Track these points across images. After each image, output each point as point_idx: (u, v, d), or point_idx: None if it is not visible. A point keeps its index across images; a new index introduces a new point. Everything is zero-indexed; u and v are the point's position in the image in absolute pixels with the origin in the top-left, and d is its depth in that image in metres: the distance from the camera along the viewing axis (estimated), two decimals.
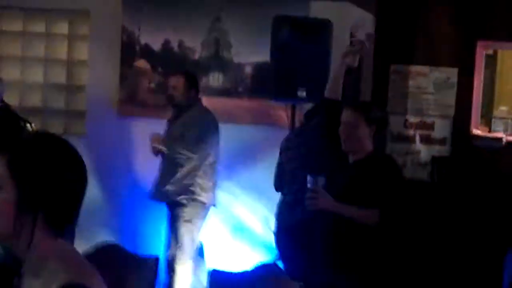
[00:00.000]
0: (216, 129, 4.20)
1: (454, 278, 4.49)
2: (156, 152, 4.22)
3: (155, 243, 4.75)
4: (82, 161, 1.33)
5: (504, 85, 5.50)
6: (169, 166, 4.18)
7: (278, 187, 3.89)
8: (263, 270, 2.57)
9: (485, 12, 5.09)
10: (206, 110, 4.25)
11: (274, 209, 4.51)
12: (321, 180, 2.81)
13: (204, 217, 4.20)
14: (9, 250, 1.34)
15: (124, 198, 4.94)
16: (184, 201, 4.13)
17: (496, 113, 5.47)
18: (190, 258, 4.16)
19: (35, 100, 5.21)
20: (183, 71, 4.36)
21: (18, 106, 4.94)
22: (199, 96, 4.31)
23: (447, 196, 5.04)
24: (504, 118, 5.29)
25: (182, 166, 4.14)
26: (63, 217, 1.29)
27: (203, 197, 4.16)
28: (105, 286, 1.28)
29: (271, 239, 4.55)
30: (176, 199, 4.14)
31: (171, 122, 4.30)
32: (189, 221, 4.13)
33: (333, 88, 3.12)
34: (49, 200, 1.26)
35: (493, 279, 4.17)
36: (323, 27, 4.08)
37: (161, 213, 4.48)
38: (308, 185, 2.80)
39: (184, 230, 4.12)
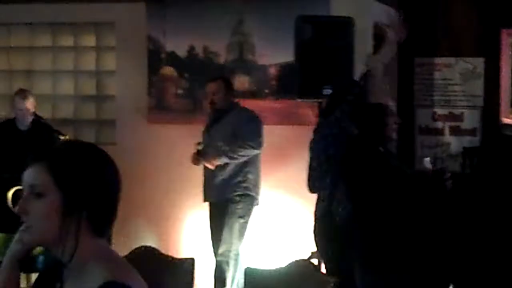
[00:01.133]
0: (262, 126, 4.32)
1: (487, 268, 4.45)
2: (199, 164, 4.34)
3: (191, 246, 4.81)
4: (113, 162, 1.38)
5: None
6: (218, 166, 4.26)
7: (311, 188, 3.83)
8: (297, 267, 2.60)
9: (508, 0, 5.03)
10: (248, 109, 4.38)
11: (304, 207, 4.54)
12: (428, 162, 2.83)
13: (252, 213, 4.30)
14: (51, 256, 1.39)
15: (156, 204, 5.02)
16: (238, 198, 4.23)
17: None
18: (240, 253, 4.25)
19: (66, 111, 5.34)
20: (219, 76, 4.46)
21: (51, 118, 5.07)
22: (235, 98, 4.43)
23: (480, 187, 5.00)
24: None
25: (232, 164, 4.23)
26: (105, 218, 1.34)
27: (254, 192, 4.28)
28: (145, 285, 1.32)
29: (303, 237, 4.58)
30: (229, 196, 4.23)
31: (210, 127, 4.39)
32: (242, 217, 4.23)
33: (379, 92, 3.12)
34: (91, 202, 1.31)
35: None
36: (345, 25, 4.10)
37: (200, 213, 4.55)
38: (427, 166, 2.77)
39: (238, 226, 4.22)
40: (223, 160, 4.23)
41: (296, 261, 2.69)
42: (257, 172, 4.32)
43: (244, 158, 4.23)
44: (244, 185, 4.24)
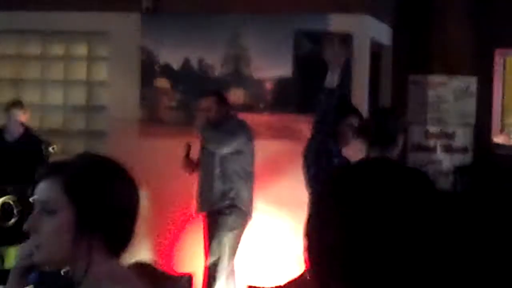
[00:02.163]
0: (251, 140, 4.26)
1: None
2: (190, 171, 4.30)
3: (187, 261, 4.71)
4: (132, 178, 1.31)
5: None
6: (208, 177, 4.22)
7: None
8: (297, 283, 2.54)
9: (502, 20, 5.09)
10: (241, 122, 4.31)
11: (300, 222, 4.47)
12: None
13: (244, 227, 4.23)
14: (59, 274, 1.32)
15: (148, 218, 4.91)
16: (227, 210, 4.16)
17: None
18: (229, 267, 4.16)
19: (55, 121, 5.23)
20: (212, 91, 4.40)
21: (39, 128, 4.96)
22: (231, 110, 4.36)
23: (471, 205, 4.99)
24: None
25: (221, 175, 4.18)
26: (121, 237, 1.27)
27: (243, 205, 4.20)
28: None
29: (296, 252, 4.52)
30: (217, 207, 4.16)
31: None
32: (231, 230, 4.16)
33: None
34: (107, 221, 1.24)
35: None
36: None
37: (193, 226, 4.47)
38: None
39: (227, 239, 4.14)
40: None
41: (295, 279, 2.63)
42: (246, 187, 4.24)
43: (235, 169, 4.17)
44: (231, 195, 4.17)
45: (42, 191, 1.25)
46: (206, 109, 4.29)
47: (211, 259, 4.14)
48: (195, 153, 4.39)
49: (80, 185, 1.23)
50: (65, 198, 1.22)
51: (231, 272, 4.22)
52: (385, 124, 2.76)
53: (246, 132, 4.26)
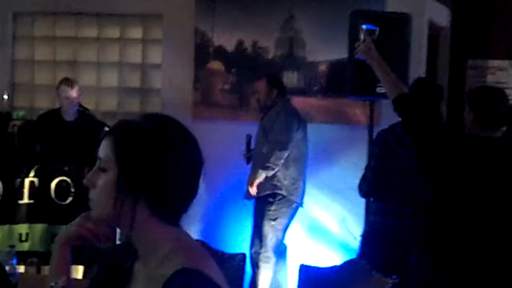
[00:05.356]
0: (299, 125, 4.17)
1: None
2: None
3: (240, 241, 4.73)
4: (195, 148, 1.28)
5: None
6: (254, 165, 4.18)
7: (368, 193, 3.62)
8: (353, 266, 2.50)
9: None
10: (289, 108, 4.22)
11: (350, 208, 4.42)
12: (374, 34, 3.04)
13: (290, 216, 4.16)
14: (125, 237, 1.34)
15: (198, 202, 4.94)
16: (270, 199, 4.10)
17: None
18: (273, 256, 4.13)
19: (110, 103, 5.31)
20: (266, 74, 4.38)
21: (94, 110, 5.04)
22: (285, 96, 4.29)
23: None
24: None
25: (263, 162, 4.10)
26: (167, 203, 1.25)
27: (287, 192, 4.11)
28: (221, 274, 1.23)
29: (347, 239, 4.47)
30: (261, 194, 4.10)
31: (260, 123, 4.29)
32: (274, 219, 4.11)
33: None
34: (150, 183, 1.22)
35: None
36: (402, 21, 3.98)
37: (244, 211, 4.46)
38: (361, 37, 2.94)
39: (269, 228, 4.10)
40: (261, 175, 4.08)
41: (352, 260, 2.59)
42: (290, 171, 4.12)
43: (279, 162, 4.06)
44: (273, 183, 4.09)
45: (100, 148, 1.28)
46: (256, 91, 4.27)
47: (254, 248, 4.13)
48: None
49: (125, 146, 1.24)
50: (113, 157, 1.24)
51: (279, 262, 4.16)
52: (499, 106, 2.71)
53: (294, 119, 4.16)
